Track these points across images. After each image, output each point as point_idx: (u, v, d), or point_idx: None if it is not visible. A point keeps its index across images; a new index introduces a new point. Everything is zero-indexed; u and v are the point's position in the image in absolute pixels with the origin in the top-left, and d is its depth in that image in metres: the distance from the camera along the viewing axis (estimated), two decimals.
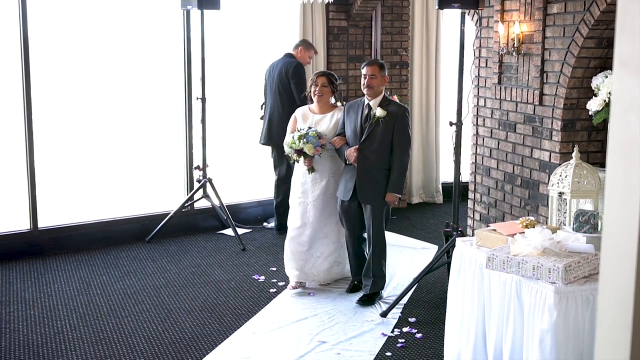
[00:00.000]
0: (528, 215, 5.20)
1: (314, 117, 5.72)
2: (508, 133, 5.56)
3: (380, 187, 5.31)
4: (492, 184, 5.81)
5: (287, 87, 7.00)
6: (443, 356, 4.36)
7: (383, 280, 5.53)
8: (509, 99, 5.49)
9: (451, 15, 8.05)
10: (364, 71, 5.33)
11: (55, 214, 6.79)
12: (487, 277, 3.82)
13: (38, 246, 6.58)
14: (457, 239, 4.56)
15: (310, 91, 5.71)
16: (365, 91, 5.32)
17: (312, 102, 5.73)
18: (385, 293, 5.66)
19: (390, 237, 7.15)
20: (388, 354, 4.63)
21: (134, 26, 7.20)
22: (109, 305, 5.41)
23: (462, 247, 4.08)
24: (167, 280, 5.97)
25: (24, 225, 6.59)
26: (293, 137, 5.53)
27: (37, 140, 6.57)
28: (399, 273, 6.14)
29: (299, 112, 5.84)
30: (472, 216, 6.13)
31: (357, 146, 5.30)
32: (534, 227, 3.81)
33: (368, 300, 5.42)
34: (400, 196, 5.42)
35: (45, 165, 6.75)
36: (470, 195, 6.13)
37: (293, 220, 5.79)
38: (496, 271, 3.67)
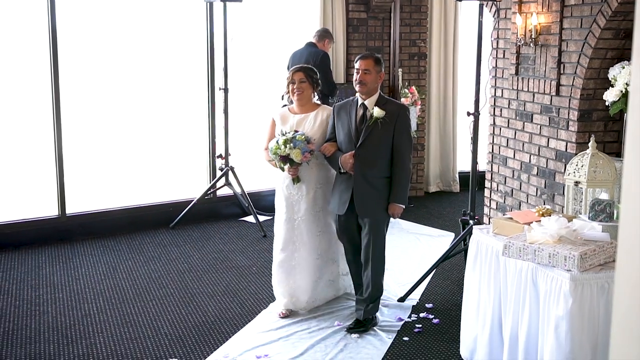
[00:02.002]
0: (544, 204, 5.28)
1: (295, 117, 4.98)
2: (525, 123, 5.63)
3: (382, 198, 4.67)
4: (508, 173, 5.89)
5: None
6: (459, 341, 4.44)
7: (378, 303, 4.95)
8: (526, 90, 5.56)
9: (469, 7, 8.10)
10: (356, 65, 4.67)
11: (82, 201, 6.95)
12: (504, 264, 3.88)
13: (66, 232, 6.75)
14: (473, 226, 4.65)
15: (288, 90, 5.02)
16: (357, 88, 4.66)
17: (291, 102, 5.08)
18: (403, 279, 5.74)
19: (407, 225, 7.27)
20: (405, 338, 4.73)
21: (159, 19, 7.33)
22: (134, 289, 5.56)
23: (479, 234, 4.14)
24: (191, 265, 6.11)
25: (52, 211, 6.77)
26: (278, 142, 4.80)
27: (65, 130, 6.73)
28: (416, 260, 6.24)
29: (278, 114, 5.12)
30: (488, 205, 6.21)
31: (353, 152, 4.64)
32: (550, 216, 3.85)
33: (359, 326, 4.81)
34: (404, 207, 4.76)
35: (73, 153, 6.91)
36: (487, 184, 6.21)
37: (280, 240, 5.06)
38: (512, 258, 3.72)
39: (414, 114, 7.95)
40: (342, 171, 4.74)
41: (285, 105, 5.21)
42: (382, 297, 5.36)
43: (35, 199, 6.81)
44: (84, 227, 6.85)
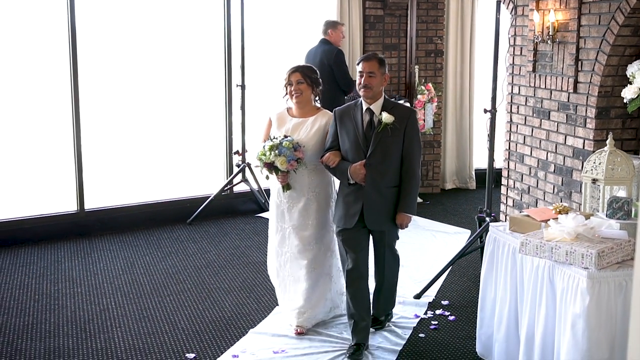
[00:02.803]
0: (561, 202, 5.27)
1: (292, 121, 4.65)
2: (542, 120, 5.61)
3: (392, 208, 4.42)
4: (525, 171, 5.88)
5: (328, 74, 7.04)
6: (475, 339, 4.45)
7: (393, 300, 4.86)
8: (544, 87, 5.54)
9: (486, 4, 8.09)
10: (359, 68, 4.37)
11: (101, 197, 7.04)
12: (520, 261, 3.88)
13: (85, 227, 6.82)
14: (490, 224, 4.65)
15: (286, 92, 4.69)
16: (361, 92, 4.37)
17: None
18: (419, 276, 5.75)
19: (423, 222, 7.28)
20: (421, 335, 4.74)
21: (177, 16, 7.38)
22: (152, 284, 5.61)
23: (496, 232, 4.15)
24: (208, 261, 6.16)
25: (71, 207, 6.85)
26: (264, 147, 4.50)
27: (84, 127, 6.81)
28: (432, 257, 6.25)
29: (275, 114, 4.75)
30: (505, 202, 6.20)
31: (364, 161, 4.33)
32: (567, 213, 3.83)
33: (376, 324, 4.78)
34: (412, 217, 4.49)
35: (92, 150, 6.99)
36: (504, 181, 6.20)
37: (272, 251, 4.84)
38: (529, 256, 3.71)
39: (430, 111, 7.94)
40: (351, 182, 4.39)
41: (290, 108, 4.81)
42: (398, 294, 5.38)
43: (54, 195, 6.90)
44: (103, 223, 6.92)
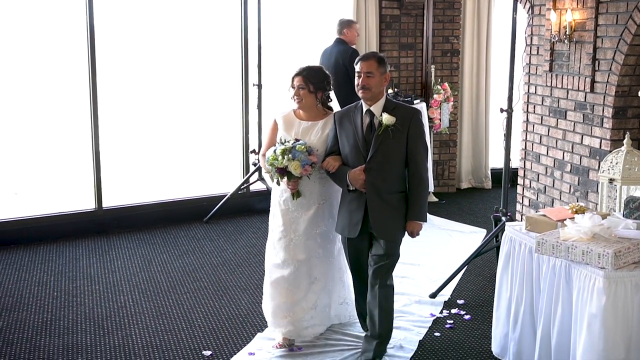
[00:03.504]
0: (577, 202, 5.25)
1: (301, 125, 4.40)
2: (558, 120, 5.60)
3: (399, 216, 4.16)
4: (541, 170, 5.86)
5: (343, 74, 7.04)
6: (491, 338, 4.45)
7: (389, 336, 4.37)
8: (560, 87, 5.53)
9: (503, 3, 8.07)
10: (357, 68, 4.14)
11: (119, 195, 7.11)
12: (537, 261, 3.88)
13: (103, 225, 6.89)
14: (506, 223, 4.65)
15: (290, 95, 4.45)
16: (360, 94, 4.14)
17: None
18: (434, 275, 5.75)
19: (439, 221, 7.28)
20: (437, 334, 4.75)
21: (194, 15, 7.45)
22: (169, 282, 5.65)
23: (512, 231, 4.15)
24: (224, 259, 6.20)
25: (89, 205, 6.92)
26: (275, 152, 4.24)
27: (102, 126, 6.87)
28: (447, 256, 6.25)
29: (281, 116, 4.50)
30: (521, 202, 6.19)
31: (363, 166, 4.10)
32: (583, 213, 3.82)
33: None
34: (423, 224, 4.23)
35: (110, 149, 7.06)
36: (520, 181, 6.19)
37: (273, 257, 4.52)
38: (545, 255, 3.71)
39: (446, 110, 7.94)
40: (350, 188, 4.17)
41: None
42: (414, 294, 5.40)
43: (72, 193, 7.00)
44: (120, 221, 6.98)
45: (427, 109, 7.79)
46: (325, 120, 4.39)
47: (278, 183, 4.35)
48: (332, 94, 4.55)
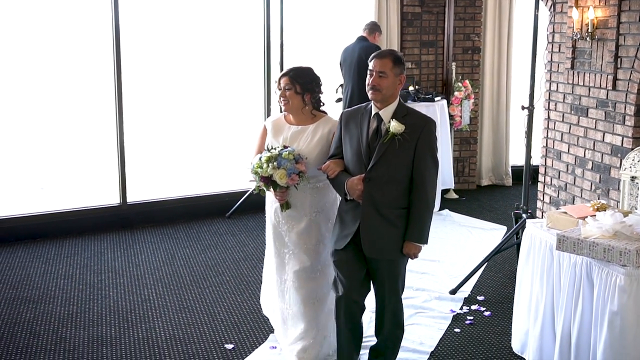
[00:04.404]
0: (598, 199, 5.25)
1: (290, 130, 4.04)
2: (580, 117, 5.60)
3: (396, 235, 3.69)
4: (562, 168, 5.86)
5: (366, 71, 7.08)
6: (511, 335, 4.47)
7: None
8: (582, 84, 5.52)
9: (524, 1, 8.06)
10: (370, 65, 3.72)
11: (143, 190, 7.20)
12: (557, 258, 3.89)
13: (127, 220, 6.99)
14: (527, 220, 4.66)
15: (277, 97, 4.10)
16: (370, 94, 3.70)
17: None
18: (454, 271, 5.77)
19: (459, 218, 7.29)
20: (457, 330, 4.77)
21: (217, 13, 7.52)
22: (191, 276, 5.72)
23: (533, 228, 4.15)
24: (246, 254, 6.26)
25: (114, 200, 7.03)
26: (260, 159, 3.88)
27: (127, 122, 6.97)
28: (467, 252, 6.27)
29: (271, 121, 4.15)
30: (541, 199, 6.19)
31: (363, 175, 3.67)
32: (605, 211, 3.82)
33: None
34: (423, 247, 3.75)
35: (135, 145, 7.16)
36: (541, 178, 6.19)
37: (269, 275, 4.30)
38: (566, 253, 3.71)
39: (466, 108, 7.96)
40: (348, 198, 3.75)
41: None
42: (434, 290, 5.42)
43: (98, 188, 7.10)
44: (144, 216, 7.07)
45: (448, 106, 7.81)
46: (316, 124, 4.00)
47: (262, 193, 4.01)
48: (322, 98, 4.14)
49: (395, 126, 3.61)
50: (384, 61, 3.67)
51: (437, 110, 7.48)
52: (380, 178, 3.65)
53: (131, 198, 7.05)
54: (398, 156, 3.63)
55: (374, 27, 7.37)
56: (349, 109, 3.94)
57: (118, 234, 6.76)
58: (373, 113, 3.74)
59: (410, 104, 7.45)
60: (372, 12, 7.91)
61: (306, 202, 4.02)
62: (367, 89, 3.72)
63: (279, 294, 4.21)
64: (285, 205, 3.98)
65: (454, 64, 8.05)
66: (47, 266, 5.93)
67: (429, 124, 3.69)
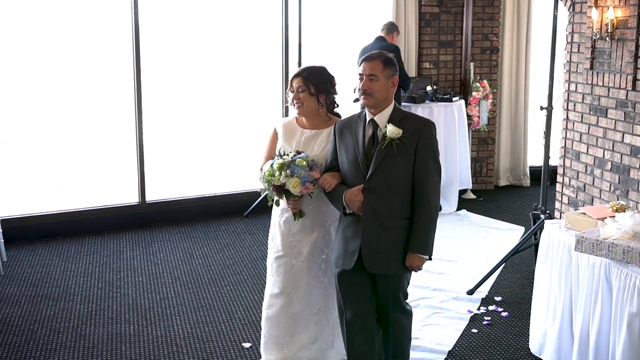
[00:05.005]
0: (617, 200, 5.22)
1: (303, 134, 3.82)
2: (599, 118, 5.57)
3: (400, 247, 3.49)
4: (581, 168, 5.84)
5: None
6: (528, 335, 4.46)
7: None
8: (601, 84, 5.50)
9: (543, 1, 8.03)
10: (359, 69, 3.52)
11: (161, 189, 7.26)
12: (576, 259, 3.87)
13: (146, 218, 7.05)
14: (545, 221, 4.64)
15: (289, 99, 3.89)
16: (361, 100, 3.51)
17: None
18: (472, 272, 5.76)
19: (477, 218, 7.28)
20: (474, 330, 4.77)
21: (235, 13, 7.58)
22: (210, 274, 5.76)
23: (551, 229, 4.14)
24: (264, 253, 6.26)
25: (133, 199, 7.09)
26: (272, 166, 3.63)
27: (146, 122, 7.02)
28: (485, 253, 6.26)
29: (282, 124, 3.92)
30: (560, 199, 6.17)
31: (362, 186, 3.46)
32: (624, 212, 3.81)
33: None
34: (427, 258, 3.52)
35: (154, 144, 7.23)
36: (559, 178, 6.16)
37: (273, 286, 3.94)
38: (585, 254, 3.70)
39: (484, 108, 7.94)
40: (347, 212, 3.54)
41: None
42: (451, 290, 5.42)
43: (117, 187, 7.17)
44: (163, 214, 7.13)
45: (466, 107, 7.80)
46: (330, 128, 3.74)
47: (277, 203, 3.73)
48: (337, 99, 3.95)
49: (392, 130, 3.41)
50: (373, 63, 3.47)
51: (455, 110, 7.48)
52: (380, 187, 3.44)
53: (150, 197, 7.11)
54: (397, 162, 3.43)
55: (391, 27, 7.39)
56: (342, 118, 3.73)
57: (137, 233, 6.82)
58: (368, 119, 3.53)
59: (429, 104, 7.48)
60: (390, 12, 7.91)
61: (320, 211, 3.81)
62: (358, 94, 3.53)
63: (283, 305, 3.92)
64: (298, 214, 3.74)
65: (472, 64, 8.04)
66: (67, 264, 5.99)
67: (428, 126, 3.50)
